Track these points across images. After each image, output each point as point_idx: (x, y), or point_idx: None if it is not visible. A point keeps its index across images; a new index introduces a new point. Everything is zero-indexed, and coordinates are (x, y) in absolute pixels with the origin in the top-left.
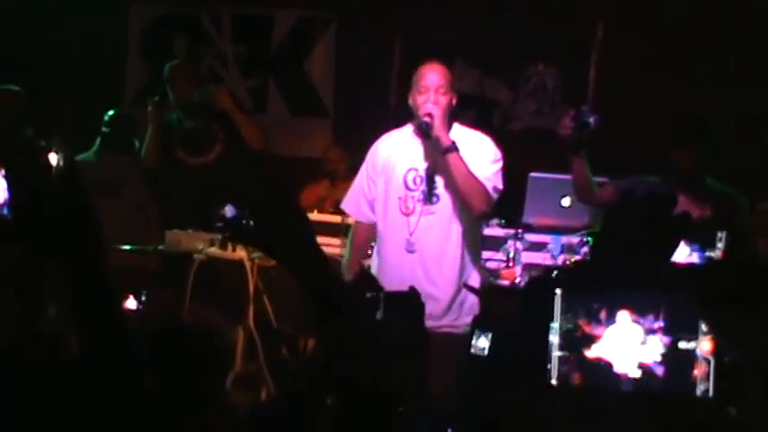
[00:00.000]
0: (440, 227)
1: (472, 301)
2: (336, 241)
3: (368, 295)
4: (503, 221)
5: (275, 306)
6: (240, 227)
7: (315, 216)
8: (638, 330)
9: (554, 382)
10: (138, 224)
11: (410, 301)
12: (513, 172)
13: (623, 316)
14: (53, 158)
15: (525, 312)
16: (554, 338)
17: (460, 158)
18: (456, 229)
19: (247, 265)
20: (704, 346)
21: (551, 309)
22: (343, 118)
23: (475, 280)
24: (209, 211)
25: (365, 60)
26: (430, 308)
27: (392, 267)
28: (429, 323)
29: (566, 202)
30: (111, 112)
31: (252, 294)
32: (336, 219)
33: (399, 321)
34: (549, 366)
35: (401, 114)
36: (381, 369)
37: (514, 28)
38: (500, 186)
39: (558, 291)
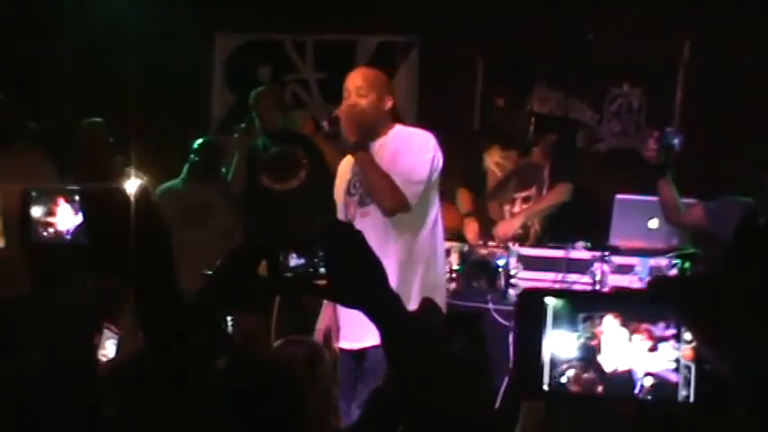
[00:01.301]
0: (374, 228)
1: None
2: None
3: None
4: (588, 244)
5: None
6: (306, 277)
7: None
8: (650, 338)
9: (574, 388)
10: (224, 250)
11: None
12: (599, 194)
13: (632, 324)
14: (131, 186)
15: None
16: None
17: (367, 157)
18: (392, 232)
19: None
20: (685, 352)
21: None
22: None
23: (428, 290)
24: (276, 260)
25: (447, 84)
26: None
27: None
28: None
29: (653, 224)
30: (198, 141)
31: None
32: None
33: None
34: (568, 375)
35: (484, 137)
36: (454, 398)
37: (598, 48)
38: (418, 177)
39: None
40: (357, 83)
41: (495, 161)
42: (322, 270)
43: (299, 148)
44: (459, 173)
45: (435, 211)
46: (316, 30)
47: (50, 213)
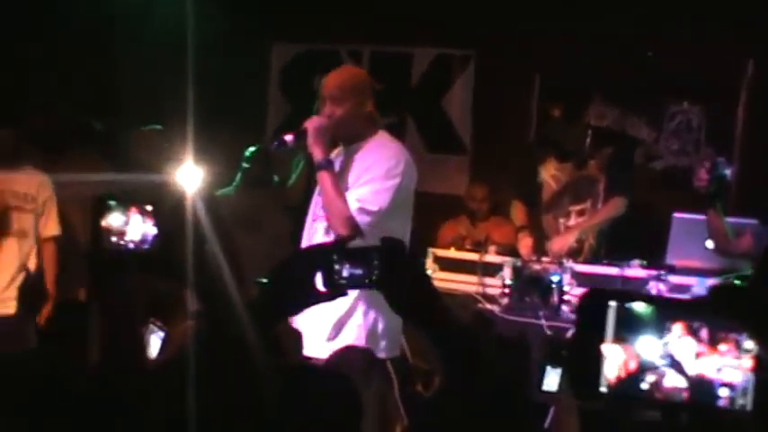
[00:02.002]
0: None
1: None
2: (473, 279)
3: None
4: (644, 262)
5: (410, 341)
6: (360, 287)
7: (452, 254)
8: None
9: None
10: (274, 258)
11: None
12: (655, 211)
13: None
14: (190, 193)
15: None
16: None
17: (329, 177)
18: None
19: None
20: (744, 363)
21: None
22: (481, 155)
23: (392, 329)
24: (331, 269)
25: (503, 97)
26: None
27: None
28: None
29: (710, 243)
30: (251, 148)
31: None
32: (474, 256)
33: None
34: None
35: (540, 149)
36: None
37: (657, 65)
38: (375, 207)
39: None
40: (332, 90)
41: (550, 173)
42: (375, 280)
43: None
44: (514, 186)
45: (399, 236)
46: (372, 40)
47: (123, 222)
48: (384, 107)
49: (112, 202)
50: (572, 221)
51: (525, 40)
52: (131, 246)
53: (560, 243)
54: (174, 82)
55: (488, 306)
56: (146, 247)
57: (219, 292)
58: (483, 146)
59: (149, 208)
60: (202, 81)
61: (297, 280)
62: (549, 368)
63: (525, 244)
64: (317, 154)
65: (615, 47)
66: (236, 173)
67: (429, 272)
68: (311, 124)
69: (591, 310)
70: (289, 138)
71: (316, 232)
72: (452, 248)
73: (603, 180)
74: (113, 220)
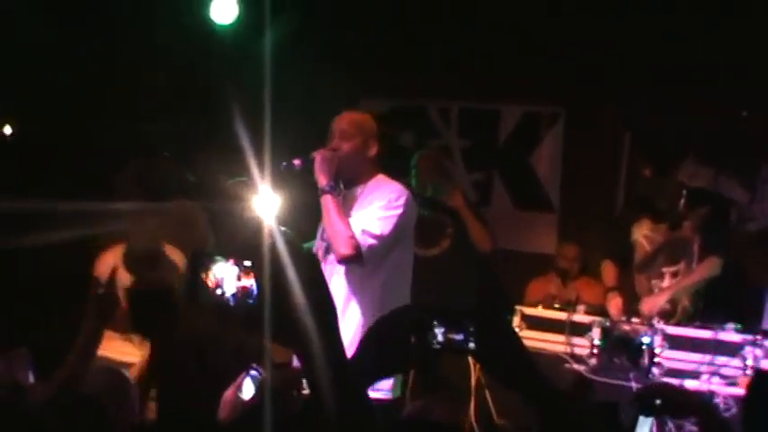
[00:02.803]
0: (336, 280)
1: None
2: (561, 338)
3: None
4: (739, 326)
5: (496, 401)
6: (456, 351)
7: (540, 312)
8: None
9: None
10: None
11: None
12: (751, 274)
13: None
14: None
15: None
16: None
17: (333, 202)
18: (350, 286)
19: (470, 358)
20: None
21: None
22: (569, 213)
23: None
24: (426, 331)
25: (592, 155)
26: None
27: None
28: None
29: None
30: None
31: (474, 388)
32: (562, 316)
33: None
34: None
35: (634, 209)
36: None
37: (752, 125)
38: (378, 231)
39: None
40: (342, 126)
41: (644, 234)
42: (471, 346)
43: (445, 217)
44: (604, 245)
45: (400, 274)
46: (460, 97)
47: (223, 276)
48: (472, 163)
49: (216, 257)
50: (665, 283)
51: (615, 97)
52: (231, 300)
53: (651, 304)
54: (256, 139)
55: (576, 366)
56: (249, 301)
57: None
58: (571, 204)
59: (247, 263)
60: (291, 135)
61: (390, 343)
62: (641, 417)
63: (615, 304)
64: (322, 180)
65: (708, 105)
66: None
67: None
68: (319, 154)
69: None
70: (297, 162)
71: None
72: (540, 307)
73: (698, 241)
74: (216, 272)
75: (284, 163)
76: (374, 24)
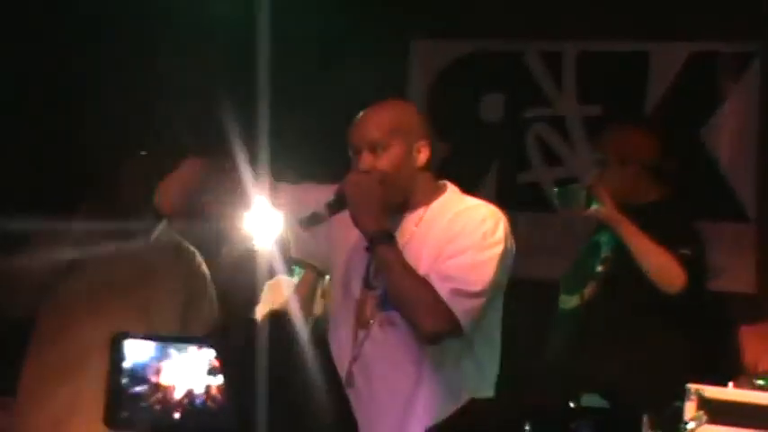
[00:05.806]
0: (400, 346)
1: None
2: None
3: None
4: None
5: None
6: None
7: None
8: None
9: None
10: None
11: None
12: None
13: None
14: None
15: None
16: None
17: (393, 255)
18: (428, 357)
19: None
20: None
21: None
22: None
23: None
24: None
25: None
26: None
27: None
28: None
29: None
30: None
31: None
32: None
33: None
34: None
35: None
36: None
37: None
38: (476, 287)
39: None
40: (370, 135)
41: None
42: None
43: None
44: None
45: (495, 328)
46: (579, 34)
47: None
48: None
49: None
50: None
51: None
52: None
53: None
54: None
55: None
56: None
57: None
58: None
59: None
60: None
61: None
62: None
63: None
64: (368, 224)
65: None
66: None
67: (690, 426)
68: (350, 185)
69: None
70: (322, 211)
71: (358, 309)
72: (731, 384)
73: None
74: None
75: (303, 217)
76: None
